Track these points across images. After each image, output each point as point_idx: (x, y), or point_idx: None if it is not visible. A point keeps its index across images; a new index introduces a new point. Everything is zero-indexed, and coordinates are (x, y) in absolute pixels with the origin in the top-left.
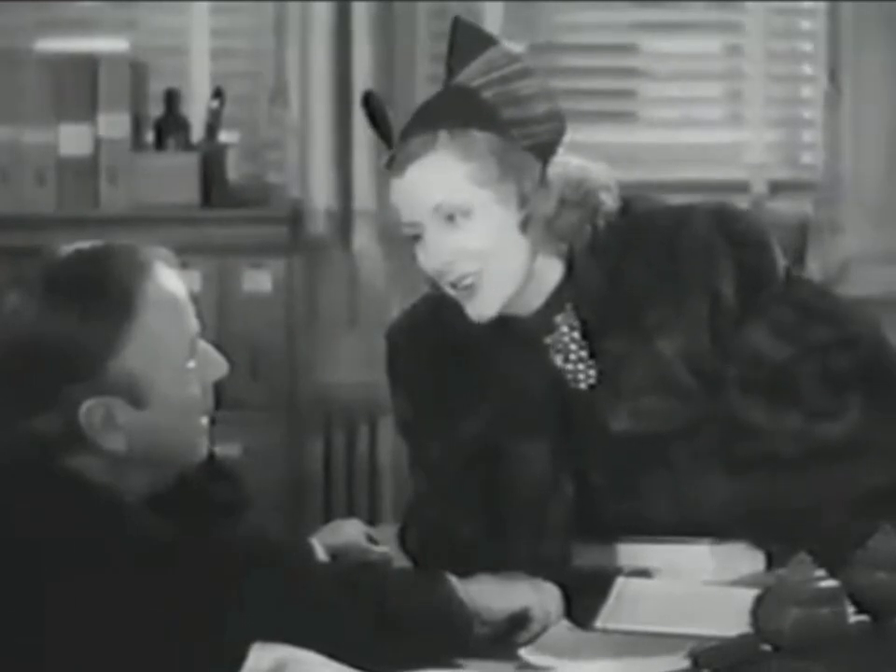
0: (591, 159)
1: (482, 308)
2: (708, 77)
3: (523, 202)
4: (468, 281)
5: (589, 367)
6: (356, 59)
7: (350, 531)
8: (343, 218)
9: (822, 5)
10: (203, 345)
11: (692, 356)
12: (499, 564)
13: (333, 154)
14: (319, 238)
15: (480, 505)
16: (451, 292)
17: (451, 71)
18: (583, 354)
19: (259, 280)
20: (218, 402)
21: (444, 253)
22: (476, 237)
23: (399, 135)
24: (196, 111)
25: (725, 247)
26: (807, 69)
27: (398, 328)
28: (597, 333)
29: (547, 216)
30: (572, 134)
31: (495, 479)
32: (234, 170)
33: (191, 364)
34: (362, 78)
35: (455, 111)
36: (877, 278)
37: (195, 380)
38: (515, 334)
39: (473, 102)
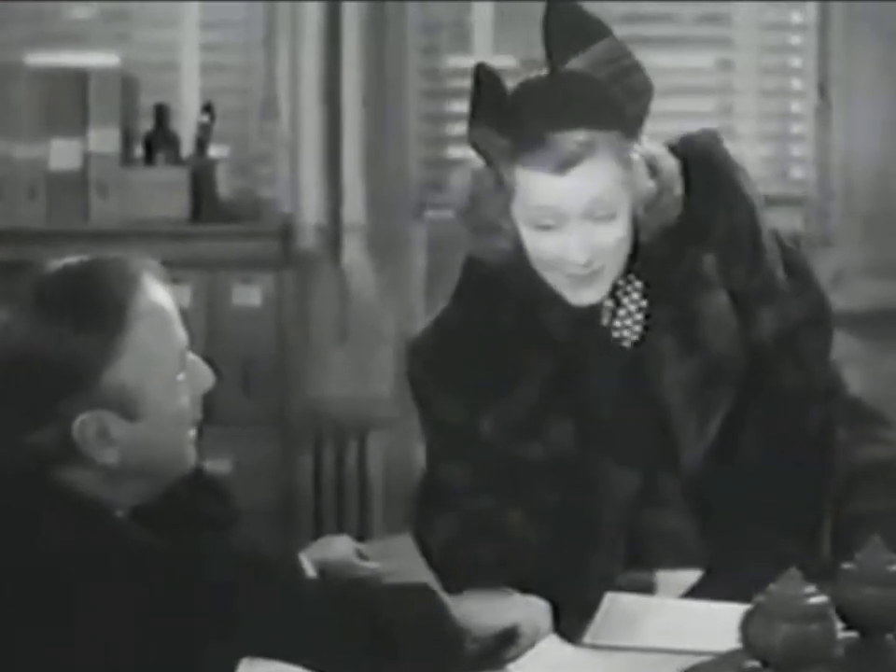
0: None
1: (593, 295)
2: (701, 93)
3: (638, 195)
4: (592, 271)
5: (636, 324)
6: (345, 73)
7: (340, 547)
8: (333, 233)
9: (812, 20)
10: (192, 357)
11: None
12: (548, 559)
13: (323, 169)
14: (309, 252)
15: (531, 490)
16: (557, 279)
17: (554, 55)
18: (637, 315)
19: (248, 294)
20: (206, 416)
21: (589, 250)
22: (615, 234)
23: (535, 125)
24: (186, 126)
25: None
26: (797, 84)
27: (447, 322)
28: (655, 297)
29: (654, 205)
30: None
31: (548, 462)
32: (224, 185)
33: (181, 376)
34: (352, 93)
35: (597, 109)
36: (869, 291)
37: (184, 392)
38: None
39: (607, 98)
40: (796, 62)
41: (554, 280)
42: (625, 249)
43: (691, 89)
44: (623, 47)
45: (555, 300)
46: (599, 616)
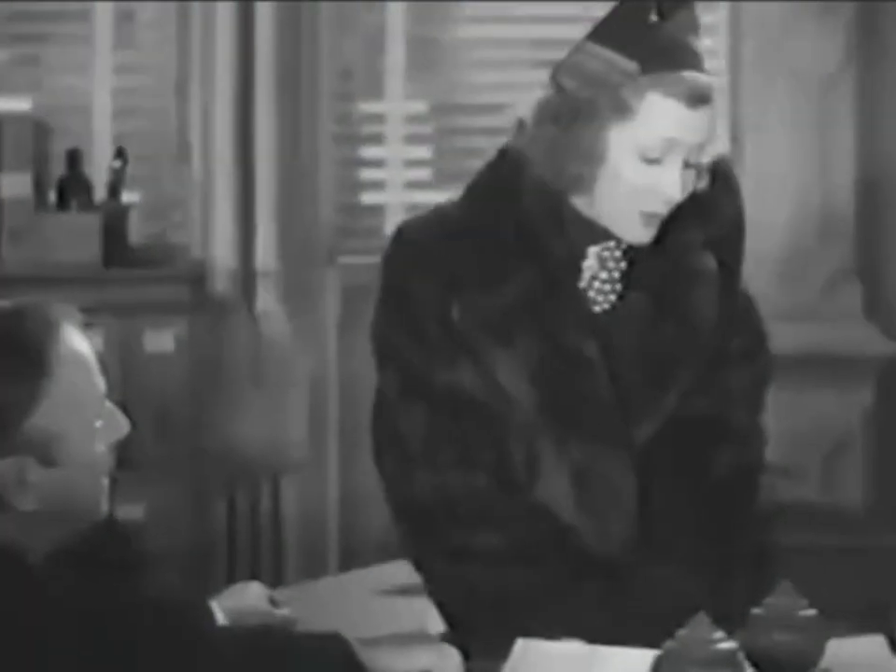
0: None
1: (648, 234)
2: None
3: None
4: (663, 212)
5: (612, 292)
6: (258, 118)
7: (251, 594)
8: (246, 278)
9: (725, 62)
10: (109, 405)
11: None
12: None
13: (236, 214)
14: (222, 298)
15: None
16: (627, 213)
17: (665, 12)
18: (616, 284)
19: (161, 340)
20: (119, 461)
21: (683, 189)
22: (693, 184)
23: (676, 58)
24: (98, 171)
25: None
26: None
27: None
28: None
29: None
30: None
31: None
32: (137, 230)
33: (99, 423)
34: (264, 138)
35: (701, 60)
36: (784, 335)
37: (101, 439)
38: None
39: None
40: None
41: (623, 216)
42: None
43: None
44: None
45: (563, 235)
46: (510, 661)
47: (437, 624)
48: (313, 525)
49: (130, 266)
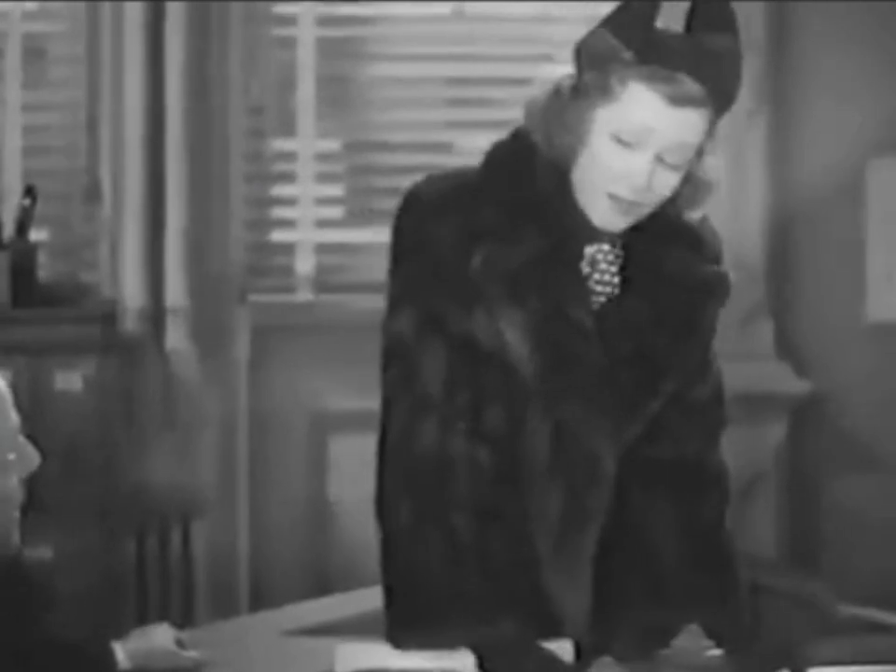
0: None
1: (618, 225)
2: None
3: (693, 176)
4: (633, 202)
5: (601, 294)
6: (168, 156)
7: (159, 636)
8: (156, 317)
9: None
10: (21, 438)
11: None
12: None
13: (146, 253)
14: (132, 337)
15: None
16: (598, 196)
17: (694, 23)
18: (606, 287)
19: (70, 379)
20: (28, 502)
21: (649, 179)
22: (668, 183)
23: (670, 57)
24: (7, 209)
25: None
26: None
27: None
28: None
29: (702, 184)
30: (387, 234)
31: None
32: (46, 268)
33: (11, 456)
34: (175, 176)
35: (717, 81)
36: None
37: (14, 472)
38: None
39: (725, 79)
40: None
41: (593, 196)
42: (660, 203)
43: None
44: (742, 55)
45: (572, 216)
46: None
47: (345, 665)
48: (223, 565)
49: (38, 305)
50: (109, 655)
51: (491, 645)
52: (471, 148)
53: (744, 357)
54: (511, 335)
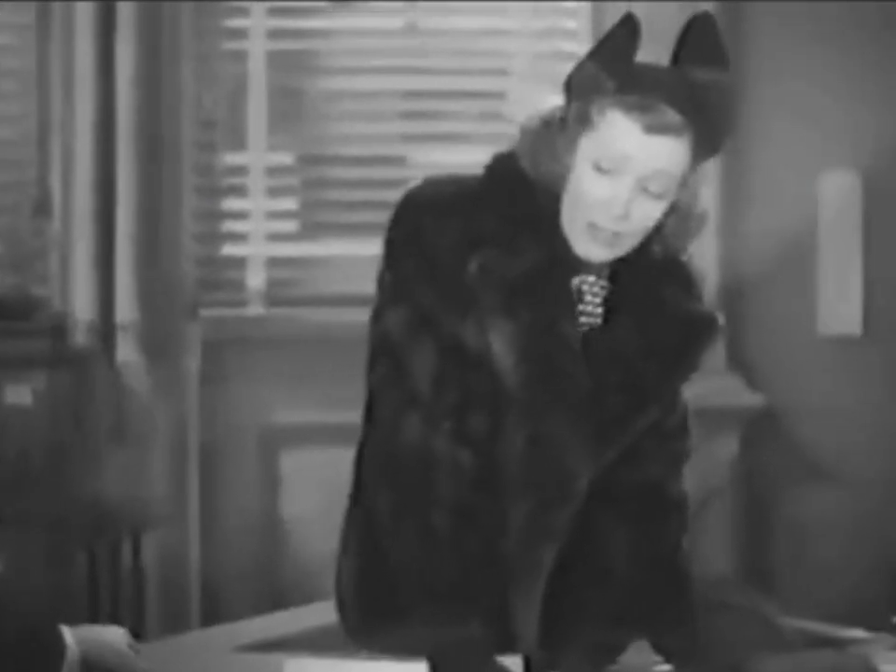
0: (359, 270)
1: (601, 254)
2: None
3: (679, 208)
4: (614, 232)
5: (585, 325)
6: (119, 170)
7: (111, 634)
8: (106, 331)
9: None
10: None
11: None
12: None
13: (96, 266)
14: (82, 351)
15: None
16: (579, 225)
17: (682, 56)
18: (591, 318)
19: (20, 393)
20: None
21: (628, 208)
22: (650, 213)
23: (651, 87)
24: None
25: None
26: None
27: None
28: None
29: (679, 228)
30: (343, 248)
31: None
32: None
33: None
34: (125, 190)
35: (701, 113)
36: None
37: None
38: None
39: (711, 112)
40: None
41: (575, 225)
42: (643, 235)
43: None
44: (733, 89)
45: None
46: None
47: None
48: (174, 580)
49: None
50: (58, 639)
51: (449, 655)
52: (426, 162)
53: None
54: (499, 344)
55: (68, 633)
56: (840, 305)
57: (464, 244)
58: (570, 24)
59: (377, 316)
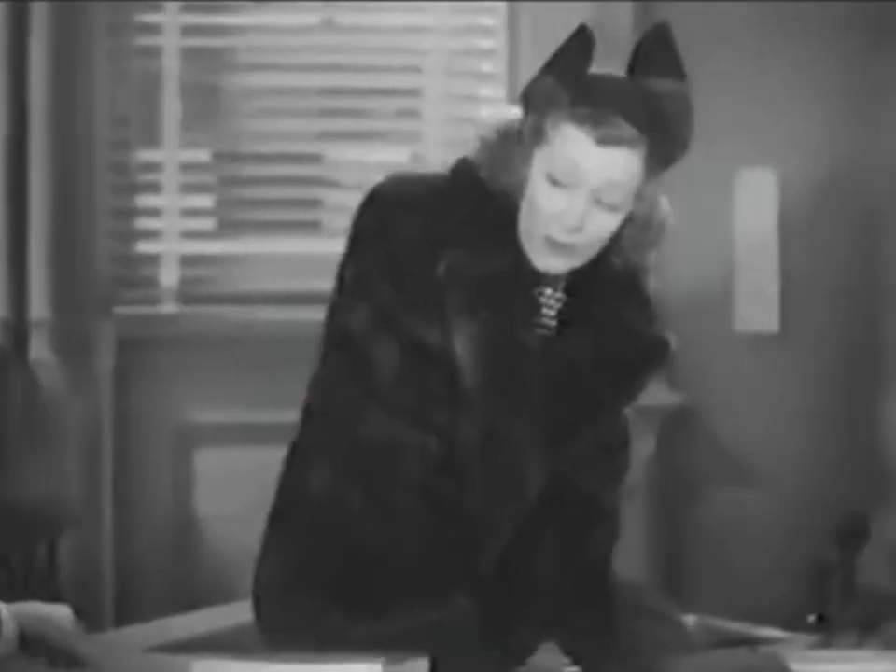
0: (275, 268)
1: (555, 267)
2: None
3: (637, 220)
4: (570, 243)
5: (540, 326)
6: (32, 166)
7: (57, 611)
8: (19, 329)
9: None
10: None
11: None
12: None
13: (8, 264)
14: None
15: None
16: (535, 238)
17: (637, 68)
18: (545, 330)
19: None
20: None
21: (582, 220)
22: (605, 225)
23: (604, 99)
24: None
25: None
26: None
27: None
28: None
29: (638, 240)
30: (259, 246)
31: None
32: None
33: None
34: (38, 187)
35: (655, 124)
36: None
37: None
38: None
39: (667, 123)
40: None
41: (531, 237)
42: (600, 246)
43: None
44: (690, 100)
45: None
46: None
47: None
48: (88, 580)
49: None
50: None
51: (442, 634)
52: (342, 160)
53: None
54: (459, 343)
55: (4, 608)
56: (757, 303)
57: (429, 242)
58: (487, 21)
59: (336, 309)
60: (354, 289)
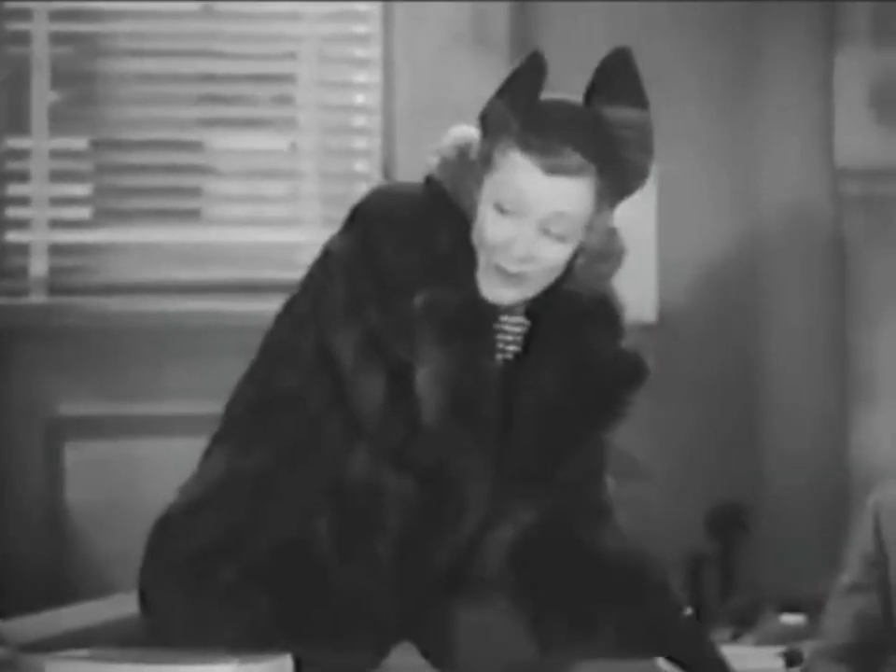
0: (153, 258)
1: (506, 298)
2: (273, 176)
3: (589, 249)
4: (520, 273)
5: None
6: None
7: None
8: None
9: (376, 102)
10: None
11: None
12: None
13: None
14: None
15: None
16: (485, 267)
17: (594, 94)
18: (507, 355)
19: None
20: None
21: (529, 250)
22: (555, 255)
23: (553, 128)
24: None
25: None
26: (361, 166)
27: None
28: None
29: (591, 267)
30: (136, 235)
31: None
32: None
33: None
34: None
35: (606, 154)
36: None
37: None
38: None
39: (619, 153)
40: (360, 143)
41: (483, 267)
42: (552, 276)
43: (264, 172)
44: (650, 128)
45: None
46: None
47: None
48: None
49: None
50: None
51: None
52: (222, 147)
53: None
54: (422, 374)
55: None
56: (634, 293)
57: (419, 270)
58: (362, 7)
59: (329, 330)
60: (343, 313)
